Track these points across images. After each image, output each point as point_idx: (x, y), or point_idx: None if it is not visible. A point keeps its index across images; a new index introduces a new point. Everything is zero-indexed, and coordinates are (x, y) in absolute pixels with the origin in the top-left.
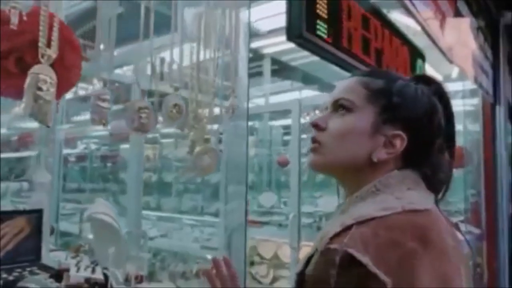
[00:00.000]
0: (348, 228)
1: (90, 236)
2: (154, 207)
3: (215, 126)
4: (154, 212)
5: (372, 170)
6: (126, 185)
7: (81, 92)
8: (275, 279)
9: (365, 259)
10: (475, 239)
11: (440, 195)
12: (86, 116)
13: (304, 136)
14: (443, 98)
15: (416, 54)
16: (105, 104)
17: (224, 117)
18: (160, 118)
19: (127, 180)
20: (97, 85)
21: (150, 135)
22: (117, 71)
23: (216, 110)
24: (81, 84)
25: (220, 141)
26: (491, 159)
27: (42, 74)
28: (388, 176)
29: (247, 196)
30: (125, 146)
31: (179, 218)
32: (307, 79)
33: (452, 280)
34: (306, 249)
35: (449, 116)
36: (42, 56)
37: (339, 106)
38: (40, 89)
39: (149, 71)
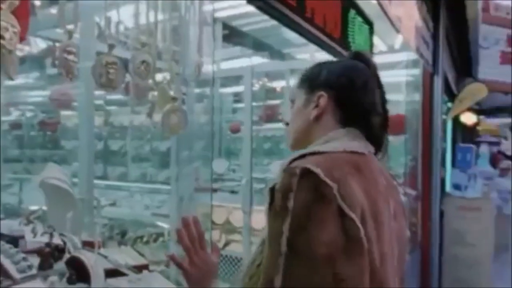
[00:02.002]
0: (302, 156)
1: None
2: (101, 175)
3: (179, 88)
4: (102, 181)
5: (318, 130)
6: (70, 153)
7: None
8: (227, 243)
9: (317, 170)
10: (412, 200)
11: (380, 155)
12: (22, 80)
13: (255, 103)
14: (370, 67)
15: (350, 5)
16: (71, 57)
17: (188, 79)
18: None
19: (78, 147)
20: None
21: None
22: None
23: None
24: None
25: (184, 102)
26: (428, 127)
27: (4, 21)
28: (335, 131)
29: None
30: (66, 112)
31: (128, 186)
32: (258, 46)
33: (377, 200)
34: (257, 214)
35: (378, 83)
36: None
37: (291, 103)
38: (2, 37)
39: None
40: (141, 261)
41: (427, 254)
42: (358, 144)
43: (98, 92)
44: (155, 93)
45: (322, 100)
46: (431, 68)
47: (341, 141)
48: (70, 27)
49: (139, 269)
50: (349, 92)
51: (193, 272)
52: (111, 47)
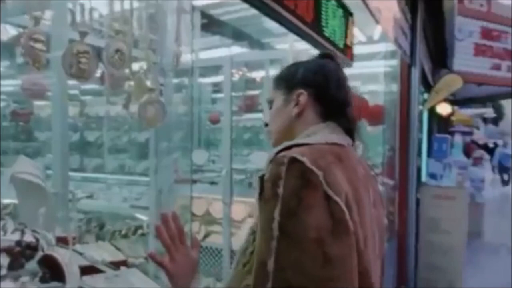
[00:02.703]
0: (288, 148)
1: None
2: (77, 167)
3: (156, 78)
4: (78, 173)
5: (299, 125)
6: (44, 145)
7: None
8: (207, 235)
9: (304, 158)
10: (389, 189)
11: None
12: None
13: (234, 94)
14: (338, 66)
15: None
16: (39, 45)
17: (166, 69)
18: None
19: (51, 139)
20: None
21: (71, 91)
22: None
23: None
24: None
25: (161, 93)
26: (405, 118)
27: None
28: (316, 125)
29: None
30: (40, 103)
31: (105, 178)
32: (237, 35)
33: (358, 188)
34: (237, 205)
35: (343, 80)
36: None
37: (268, 104)
38: None
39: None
40: (119, 256)
41: (403, 241)
42: (337, 136)
43: (72, 82)
44: (132, 83)
45: (302, 97)
46: (409, 59)
47: (322, 134)
48: (37, 13)
49: (116, 265)
50: (326, 88)
51: (175, 269)
52: (82, 34)
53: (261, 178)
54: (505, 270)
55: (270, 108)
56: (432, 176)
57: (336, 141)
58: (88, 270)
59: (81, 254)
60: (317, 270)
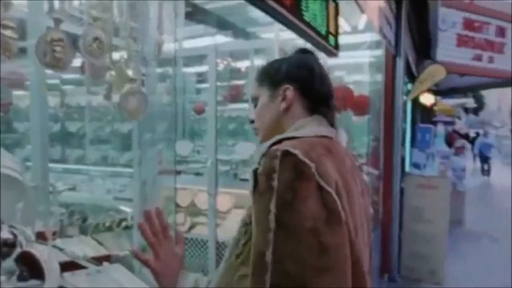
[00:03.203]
0: (279, 142)
1: None
2: (58, 159)
3: (138, 68)
4: (60, 165)
5: (287, 120)
6: (23, 136)
7: None
8: (192, 226)
9: (296, 151)
10: (374, 179)
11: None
12: None
13: (219, 83)
14: (318, 60)
15: None
16: (8, 33)
17: (148, 58)
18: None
19: (30, 130)
20: None
21: (51, 81)
22: None
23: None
24: None
25: (143, 84)
26: (390, 108)
27: None
28: (303, 120)
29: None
30: (19, 93)
31: (88, 170)
32: (221, 24)
33: (347, 178)
34: (222, 196)
35: (326, 74)
36: None
37: (252, 101)
38: None
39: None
40: (102, 251)
41: (387, 230)
42: (325, 129)
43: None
44: (113, 73)
45: (289, 92)
46: (394, 49)
47: (310, 127)
48: None
49: (99, 260)
50: (310, 82)
51: (160, 267)
52: (57, 21)
53: (255, 172)
54: (486, 257)
55: (255, 105)
56: (416, 165)
57: (324, 134)
58: (69, 266)
59: (61, 250)
60: (314, 260)
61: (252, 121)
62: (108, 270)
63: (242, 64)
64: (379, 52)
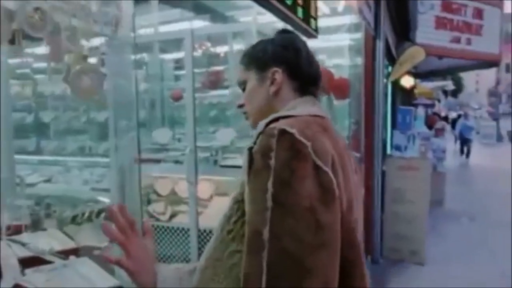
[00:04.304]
0: (275, 120)
1: None
2: (33, 150)
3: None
4: (35, 156)
5: (277, 103)
6: None
7: None
8: (173, 215)
9: (293, 130)
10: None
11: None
12: None
13: (197, 70)
14: (302, 40)
15: None
16: None
17: (106, 35)
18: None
19: None
20: None
21: (20, 70)
22: None
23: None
24: None
25: (103, 63)
26: (370, 91)
27: None
28: (295, 101)
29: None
30: None
31: (64, 160)
32: (198, 9)
33: (342, 155)
34: (203, 183)
35: (312, 54)
36: None
37: (239, 86)
38: None
39: None
40: (70, 245)
41: (370, 213)
42: (317, 109)
43: (23, 60)
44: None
45: (278, 75)
46: (373, 31)
47: (303, 107)
48: None
49: (66, 254)
50: (298, 63)
51: (134, 266)
52: None
53: (250, 150)
54: (465, 236)
55: (243, 89)
56: (397, 147)
57: (318, 113)
58: (32, 261)
59: (24, 244)
60: (311, 237)
61: (240, 106)
62: (75, 265)
63: (221, 49)
64: (359, 35)
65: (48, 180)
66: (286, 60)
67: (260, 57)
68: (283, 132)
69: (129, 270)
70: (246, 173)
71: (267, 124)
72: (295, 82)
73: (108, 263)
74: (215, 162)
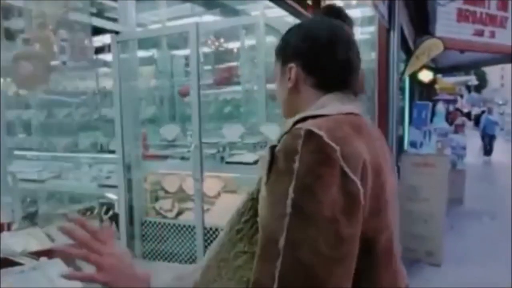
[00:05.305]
0: (303, 120)
1: None
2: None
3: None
4: (46, 153)
5: (300, 101)
6: None
7: None
8: (180, 212)
9: (321, 132)
10: None
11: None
12: None
13: (208, 66)
14: (343, 21)
15: None
16: None
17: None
18: None
19: None
20: None
21: None
22: None
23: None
24: None
25: (63, 50)
26: (384, 85)
27: None
28: (324, 98)
29: None
30: None
31: (75, 157)
32: (209, 3)
33: (378, 157)
34: (210, 180)
35: (343, 42)
36: None
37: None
38: None
39: None
40: (46, 245)
41: None
42: (350, 106)
43: None
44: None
45: (293, 72)
46: (387, 23)
47: (334, 105)
48: None
49: (39, 255)
50: (315, 57)
51: (108, 276)
52: None
53: (272, 148)
54: (486, 236)
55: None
56: (412, 144)
57: (350, 111)
58: (2, 263)
59: None
60: (329, 250)
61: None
62: (44, 267)
63: (234, 45)
64: (372, 29)
65: (57, 177)
66: (303, 54)
67: (283, 49)
68: (310, 134)
69: (106, 283)
70: (266, 173)
71: (294, 124)
72: (313, 78)
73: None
74: (222, 158)
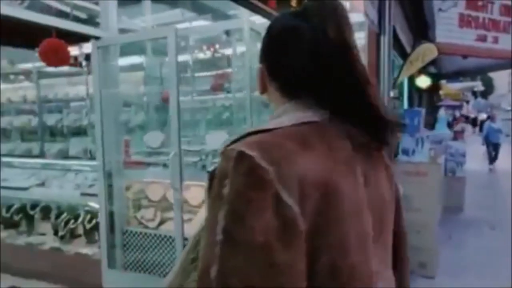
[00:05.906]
0: (243, 137)
1: None
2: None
3: None
4: (35, 160)
5: (271, 102)
6: None
7: None
8: (162, 222)
9: (253, 153)
10: None
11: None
12: None
13: (198, 74)
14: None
15: None
16: None
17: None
18: None
19: None
20: None
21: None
22: None
23: None
24: None
25: None
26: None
27: None
28: (283, 107)
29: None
30: None
31: (64, 164)
32: (200, 8)
33: (334, 172)
34: (194, 189)
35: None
36: None
37: None
38: None
39: None
40: None
41: None
42: (304, 114)
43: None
44: None
45: (259, 73)
46: (377, 27)
47: (291, 115)
48: None
49: None
50: (277, 58)
51: None
52: None
53: (211, 173)
54: (485, 247)
55: None
56: (404, 151)
57: (305, 120)
58: None
59: None
60: (261, 279)
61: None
62: None
63: (228, 51)
64: (362, 34)
65: (41, 184)
66: (268, 56)
67: (260, 49)
68: (240, 155)
69: None
70: (206, 200)
71: (234, 142)
72: (276, 82)
73: None
74: (203, 167)
